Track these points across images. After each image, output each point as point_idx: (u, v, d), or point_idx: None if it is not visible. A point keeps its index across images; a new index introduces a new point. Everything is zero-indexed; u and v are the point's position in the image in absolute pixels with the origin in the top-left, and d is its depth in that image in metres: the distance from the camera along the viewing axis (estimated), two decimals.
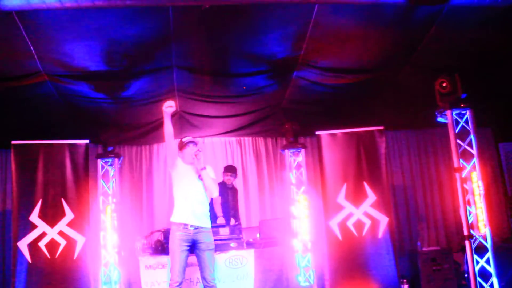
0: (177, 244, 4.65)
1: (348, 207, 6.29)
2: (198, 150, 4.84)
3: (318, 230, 6.68)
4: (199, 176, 4.81)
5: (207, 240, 4.74)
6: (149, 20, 5.10)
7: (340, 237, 6.25)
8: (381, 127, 6.48)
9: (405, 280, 5.99)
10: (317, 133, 6.58)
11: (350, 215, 6.27)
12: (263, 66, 6.19)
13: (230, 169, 6.87)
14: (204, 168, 4.81)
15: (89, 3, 4.08)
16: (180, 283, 4.63)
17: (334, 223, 6.28)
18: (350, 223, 6.25)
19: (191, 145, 4.91)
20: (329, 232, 6.29)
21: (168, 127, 4.64)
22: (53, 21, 4.79)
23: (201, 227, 4.73)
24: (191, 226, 4.69)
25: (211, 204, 6.51)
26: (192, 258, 4.88)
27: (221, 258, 5.76)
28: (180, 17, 5.03)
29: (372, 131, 6.46)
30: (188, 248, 4.69)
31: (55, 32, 5.00)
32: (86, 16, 4.77)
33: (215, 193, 4.85)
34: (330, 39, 5.62)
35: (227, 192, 6.71)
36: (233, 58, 6.08)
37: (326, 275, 6.31)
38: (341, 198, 6.32)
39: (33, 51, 5.22)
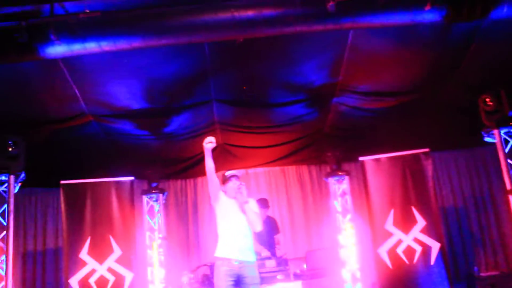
0: (222, 280, 4.59)
1: (397, 234, 6.07)
2: (241, 184, 4.83)
3: (366, 258, 6.48)
4: (242, 210, 4.79)
5: (252, 274, 4.67)
6: (186, 57, 5.22)
7: (390, 265, 6.02)
8: (427, 149, 6.27)
9: None
10: (360, 159, 6.45)
11: (399, 242, 6.04)
12: (301, 94, 6.18)
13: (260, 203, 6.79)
14: (247, 202, 4.78)
15: (127, 45, 4.20)
16: None
17: (383, 251, 6.07)
18: (400, 250, 6.02)
19: (233, 179, 4.91)
20: (378, 260, 6.08)
21: (209, 162, 4.66)
22: (95, 64, 4.98)
23: (246, 261, 4.67)
24: (236, 260, 4.63)
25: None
26: None
27: None
28: (216, 52, 5.12)
29: (418, 154, 6.27)
30: (233, 283, 4.63)
31: (97, 74, 5.20)
32: (125, 57, 4.92)
33: (258, 227, 4.79)
34: (368, 62, 5.56)
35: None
36: (271, 88, 6.10)
37: None
38: (389, 225, 6.12)
39: (78, 94, 5.43)
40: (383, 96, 6.26)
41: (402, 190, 6.19)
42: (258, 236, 5.19)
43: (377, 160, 6.36)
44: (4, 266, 4.46)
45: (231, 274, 4.59)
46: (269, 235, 6.42)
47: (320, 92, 6.06)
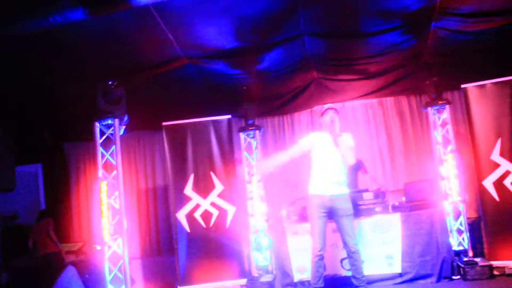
0: (314, 211, 4.75)
1: (505, 165, 5.70)
2: (333, 116, 4.86)
3: (469, 190, 6.21)
4: (335, 143, 4.82)
5: (344, 206, 4.75)
6: None
7: (497, 197, 5.72)
8: None
9: None
10: (463, 86, 6.05)
11: (507, 173, 5.68)
12: (397, 21, 5.82)
13: None
14: (340, 135, 4.80)
15: None
16: (321, 249, 4.73)
17: (489, 183, 5.77)
18: (508, 182, 5.67)
19: (329, 111, 4.97)
20: (484, 192, 5.80)
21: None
22: (184, 7, 5.06)
23: (337, 194, 4.74)
24: (327, 193, 4.72)
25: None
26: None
27: (366, 223, 5.71)
28: None
29: None
30: (325, 214, 4.75)
31: (187, 17, 5.28)
32: None
33: (351, 160, 4.82)
34: None
35: None
36: (363, 17, 5.82)
37: (482, 238, 5.85)
38: (496, 155, 5.76)
39: (171, 38, 5.58)
40: (489, 16, 5.71)
41: (511, 118, 5.75)
42: None
43: (482, 86, 5.92)
44: (117, 201, 4.92)
45: (323, 206, 4.71)
46: (352, 174, 6.35)
47: (416, 17, 5.66)
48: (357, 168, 6.66)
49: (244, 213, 6.60)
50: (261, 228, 6.56)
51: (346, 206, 4.77)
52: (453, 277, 5.60)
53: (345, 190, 4.82)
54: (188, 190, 6.28)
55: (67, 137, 8.68)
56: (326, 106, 5.04)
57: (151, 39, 5.56)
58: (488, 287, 5.17)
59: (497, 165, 5.76)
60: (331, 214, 4.78)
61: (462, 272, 5.56)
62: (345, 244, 4.77)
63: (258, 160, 6.74)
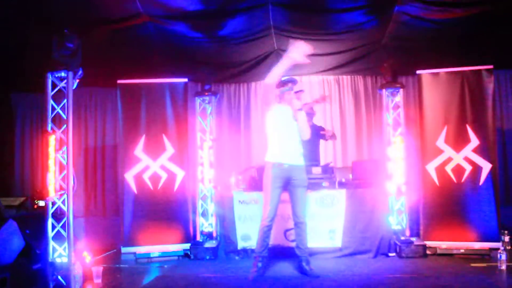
0: (271, 182, 4.79)
1: (448, 151, 5.94)
2: (300, 90, 4.84)
3: (413, 173, 6.45)
4: (295, 116, 4.83)
5: (300, 177, 4.84)
6: None
7: (437, 182, 5.97)
8: (490, 66, 5.89)
9: (506, 232, 5.62)
10: (418, 72, 6.19)
11: (449, 160, 5.93)
12: (362, 1, 5.88)
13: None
14: (301, 109, 4.81)
15: None
16: (272, 219, 4.81)
17: (431, 167, 6.00)
18: (448, 168, 5.92)
19: (290, 85, 4.93)
20: (426, 176, 6.03)
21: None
22: None
23: (295, 165, 4.82)
24: (285, 163, 4.78)
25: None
26: (284, 195, 5.01)
27: (312, 197, 5.83)
28: None
29: (480, 70, 5.90)
30: (281, 185, 4.82)
31: None
32: None
33: (307, 135, 4.87)
34: None
35: None
36: None
37: (420, 219, 6.12)
38: (441, 142, 5.98)
39: None
40: (450, 7, 5.86)
41: (459, 107, 5.94)
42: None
43: (435, 74, 6.08)
44: (65, 156, 4.78)
45: (281, 176, 4.77)
46: (313, 143, 6.45)
47: None
48: (317, 137, 6.75)
49: (193, 178, 6.59)
50: (208, 194, 6.58)
51: (302, 177, 4.86)
52: (390, 254, 5.87)
53: (302, 161, 4.90)
54: (138, 151, 6.18)
55: (15, 87, 8.33)
56: (286, 78, 4.97)
57: None
58: (420, 265, 5.44)
59: (441, 151, 5.99)
60: (286, 184, 4.85)
61: (398, 250, 5.82)
62: (294, 214, 4.87)
63: (211, 126, 6.70)
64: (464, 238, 5.83)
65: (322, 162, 7.06)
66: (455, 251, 5.84)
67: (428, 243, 5.92)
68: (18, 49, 6.45)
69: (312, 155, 6.48)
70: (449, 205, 5.90)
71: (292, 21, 6.59)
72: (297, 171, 4.85)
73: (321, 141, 7.09)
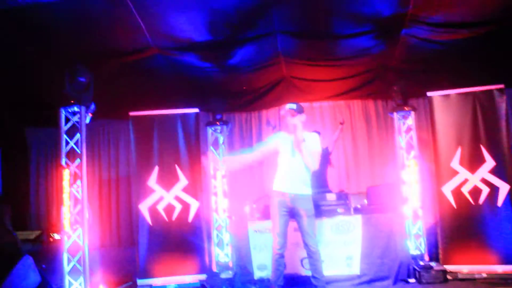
0: (276, 209, 4.77)
1: (463, 173, 5.87)
2: (295, 124, 4.74)
3: (428, 196, 6.37)
4: (298, 147, 4.78)
5: (305, 207, 4.77)
6: None
7: (454, 204, 5.89)
8: (501, 85, 5.87)
9: None
10: (428, 94, 6.18)
11: (465, 181, 5.85)
12: (368, 26, 5.91)
13: None
14: (302, 140, 4.73)
15: None
16: (281, 247, 4.75)
17: (447, 189, 5.93)
18: (465, 190, 5.84)
19: (289, 115, 4.86)
20: (442, 199, 5.95)
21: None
22: None
23: (299, 194, 4.76)
24: (288, 193, 4.74)
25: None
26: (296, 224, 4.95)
27: (328, 224, 5.78)
28: None
29: (491, 90, 5.88)
30: (286, 213, 4.77)
31: (160, 6, 5.20)
32: None
33: (313, 166, 4.78)
34: None
35: None
36: (336, 19, 5.87)
37: (438, 243, 6.00)
38: (455, 163, 5.92)
39: (143, 27, 5.48)
40: (456, 28, 5.85)
41: (472, 128, 5.90)
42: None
43: (446, 96, 6.06)
44: (80, 190, 4.81)
45: (285, 205, 4.73)
46: (320, 167, 6.38)
47: (388, 23, 5.76)
48: (326, 163, 6.72)
49: (207, 208, 6.57)
50: (223, 224, 6.54)
51: (307, 207, 4.78)
52: (409, 280, 5.74)
53: (307, 190, 4.83)
54: (152, 182, 6.20)
55: (30, 122, 8.45)
56: (288, 106, 4.91)
57: (123, 27, 5.45)
58: None
59: (456, 173, 5.92)
60: (292, 213, 4.80)
61: (417, 275, 5.69)
62: (305, 244, 4.80)
63: (224, 155, 6.71)
64: (485, 261, 5.69)
65: (331, 187, 7.01)
66: (477, 276, 5.68)
67: (448, 267, 5.79)
68: (32, 84, 6.56)
69: (319, 181, 6.44)
70: (468, 227, 5.80)
71: (300, 48, 6.63)
72: (301, 200, 4.77)
73: (332, 164, 7.06)
